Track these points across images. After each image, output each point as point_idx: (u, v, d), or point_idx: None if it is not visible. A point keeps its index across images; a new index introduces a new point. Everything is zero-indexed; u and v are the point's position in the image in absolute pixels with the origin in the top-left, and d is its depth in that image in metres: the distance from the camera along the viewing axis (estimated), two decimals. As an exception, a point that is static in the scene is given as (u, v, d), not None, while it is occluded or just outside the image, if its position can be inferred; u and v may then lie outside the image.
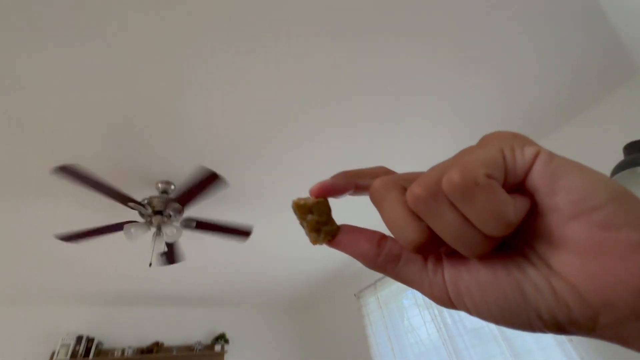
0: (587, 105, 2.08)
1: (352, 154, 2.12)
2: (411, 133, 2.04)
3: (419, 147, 2.18)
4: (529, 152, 0.14)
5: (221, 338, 3.76)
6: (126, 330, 3.44)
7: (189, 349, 3.56)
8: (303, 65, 1.51)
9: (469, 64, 1.63)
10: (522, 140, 0.15)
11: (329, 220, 0.20)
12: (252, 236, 2.87)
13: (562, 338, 2.04)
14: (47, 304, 3.22)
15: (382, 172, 0.19)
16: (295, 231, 2.95)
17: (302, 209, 0.19)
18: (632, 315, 0.12)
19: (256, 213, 2.57)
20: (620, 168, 1.39)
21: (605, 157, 1.95)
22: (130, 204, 1.84)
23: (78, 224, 2.28)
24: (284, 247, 3.18)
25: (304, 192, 2.40)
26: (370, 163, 2.23)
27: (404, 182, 0.16)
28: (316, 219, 0.19)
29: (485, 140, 0.16)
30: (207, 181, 1.76)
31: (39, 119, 1.56)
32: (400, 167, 2.34)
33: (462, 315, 2.76)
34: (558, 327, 0.14)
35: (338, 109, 1.77)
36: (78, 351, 3.01)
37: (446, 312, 2.80)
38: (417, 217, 0.15)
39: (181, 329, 3.73)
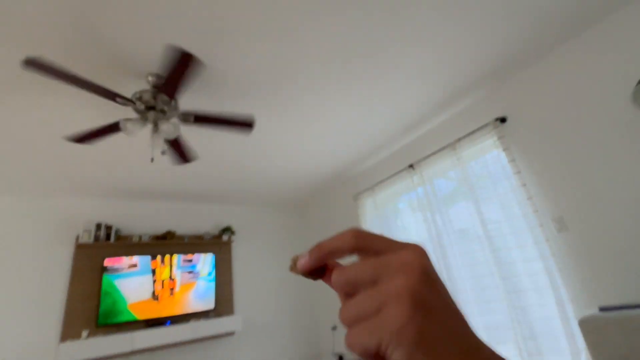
0: (616, 8, 1.78)
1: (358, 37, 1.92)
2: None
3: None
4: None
5: (227, 230, 4.13)
6: (140, 219, 3.75)
7: (199, 237, 3.95)
8: None
9: None
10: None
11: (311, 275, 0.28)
12: (256, 135, 2.86)
13: (539, 238, 2.21)
14: (67, 195, 3.43)
15: (349, 238, 0.23)
16: (298, 131, 2.92)
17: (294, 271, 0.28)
18: None
19: (260, 112, 2.49)
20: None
21: (633, 68, 1.77)
22: (118, 99, 1.74)
23: (81, 122, 2.23)
24: (287, 147, 3.20)
25: (303, 85, 2.27)
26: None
27: (349, 289, 0.22)
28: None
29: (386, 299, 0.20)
30: (183, 64, 1.60)
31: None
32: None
33: (452, 217, 2.95)
34: None
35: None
36: (99, 236, 3.34)
37: (437, 214, 2.99)
38: None
39: (191, 220, 4.07)
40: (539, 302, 2.24)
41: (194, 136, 2.66)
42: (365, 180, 3.93)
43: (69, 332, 2.99)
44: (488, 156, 2.66)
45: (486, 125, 2.62)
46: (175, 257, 3.62)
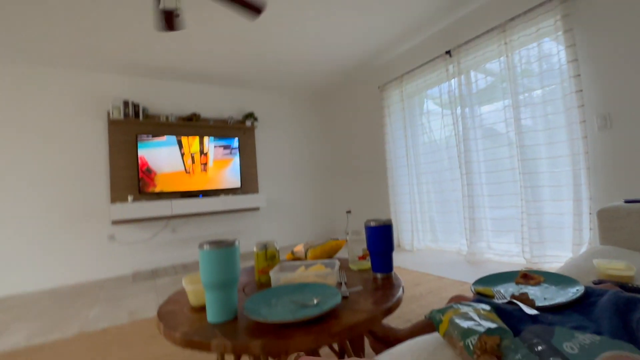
0: None
1: None
2: None
3: None
4: None
5: (250, 116, 4.15)
6: (166, 100, 3.78)
7: (223, 121, 4.02)
8: None
9: None
10: None
11: None
12: (283, 17, 2.56)
13: (576, 135, 2.07)
14: (94, 71, 3.41)
15: None
16: (324, 16, 2.57)
17: None
18: None
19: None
20: None
21: None
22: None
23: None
24: (313, 32, 2.90)
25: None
26: None
27: None
28: None
29: None
30: (249, 8, 1.66)
31: None
32: None
33: (483, 113, 2.77)
34: None
35: None
36: (128, 113, 3.45)
37: (468, 110, 2.80)
38: None
39: (215, 104, 4.07)
40: (554, 197, 2.26)
41: (210, 12, 2.39)
42: (392, 70, 3.62)
43: (116, 196, 3.42)
44: (540, 43, 2.30)
45: (551, -1, 2.17)
46: (207, 138, 3.80)
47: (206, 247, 0.73)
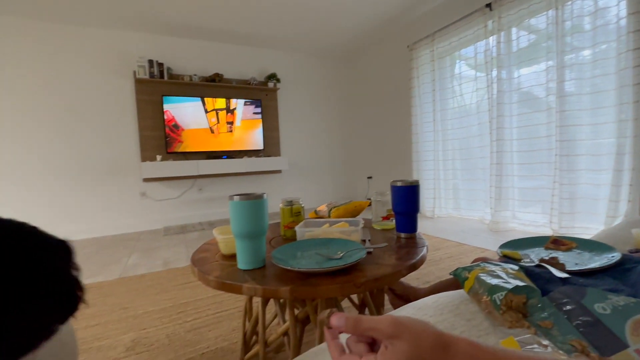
0: None
1: None
2: None
3: None
4: None
5: (273, 77, 4.06)
6: (189, 59, 3.75)
7: (246, 82, 3.97)
8: None
9: None
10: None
11: None
12: None
13: (627, 98, 1.90)
14: (116, 27, 3.40)
15: (385, 325, 0.27)
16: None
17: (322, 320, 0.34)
18: None
19: None
20: None
21: None
22: None
23: None
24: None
25: None
26: None
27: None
28: None
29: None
30: None
31: None
32: None
33: (522, 75, 2.57)
34: None
35: None
36: (154, 72, 3.47)
37: (504, 72, 2.60)
38: None
39: (237, 64, 4.00)
40: (592, 167, 2.14)
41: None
42: (424, 27, 3.37)
43: (146, 155, 3.55)
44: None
45: (618, -62, 1.88)
46: (234, 100, 3.82)
47: (236, 198, 0.75)
